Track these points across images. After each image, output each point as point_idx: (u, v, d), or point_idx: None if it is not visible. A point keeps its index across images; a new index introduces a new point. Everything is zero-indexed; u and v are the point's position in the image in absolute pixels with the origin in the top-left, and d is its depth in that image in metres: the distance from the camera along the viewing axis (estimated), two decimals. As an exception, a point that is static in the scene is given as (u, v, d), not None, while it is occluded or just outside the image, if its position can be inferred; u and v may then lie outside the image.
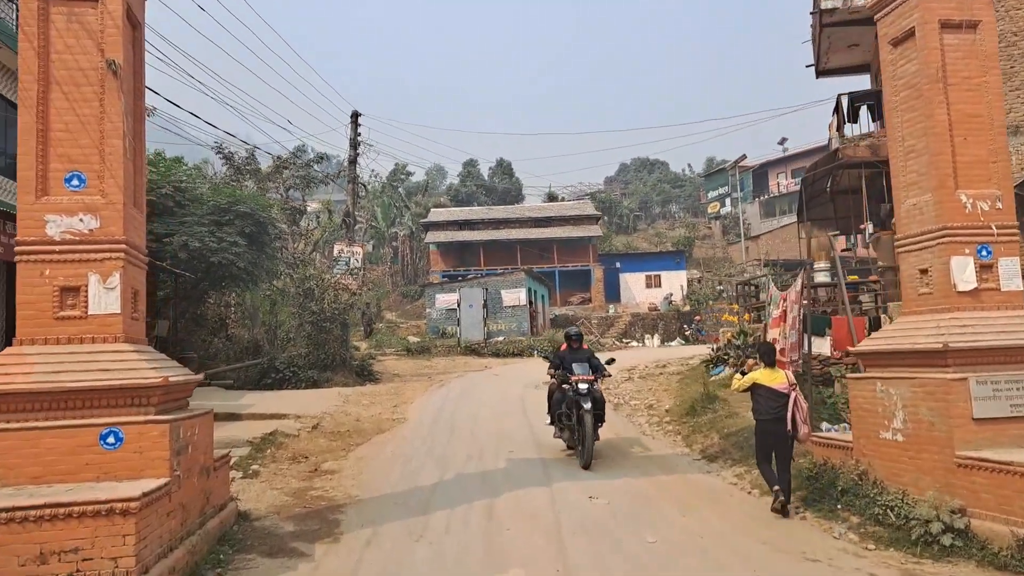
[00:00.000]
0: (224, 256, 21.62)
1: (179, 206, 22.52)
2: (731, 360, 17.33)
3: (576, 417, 10.57)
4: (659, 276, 47.94)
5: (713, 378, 17.32)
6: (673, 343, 39.89)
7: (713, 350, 18.68)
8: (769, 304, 14.52)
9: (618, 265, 48.52)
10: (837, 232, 16.07)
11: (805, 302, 11.78)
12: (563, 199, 64.86)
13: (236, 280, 23.47)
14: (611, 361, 11.85)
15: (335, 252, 24.02)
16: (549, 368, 11.64)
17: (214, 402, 16.57)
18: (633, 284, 47.93)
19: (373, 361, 24.73)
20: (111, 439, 5.88)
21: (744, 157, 65.57)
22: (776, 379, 8.83)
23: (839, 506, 7.94)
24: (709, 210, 75.24)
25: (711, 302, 46.54)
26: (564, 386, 11.02)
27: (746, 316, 17.59)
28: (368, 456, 11.68)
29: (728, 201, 72.34)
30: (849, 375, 8.93)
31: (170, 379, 6.24)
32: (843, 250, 18.47)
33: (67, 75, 6.58)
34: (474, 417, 15.21)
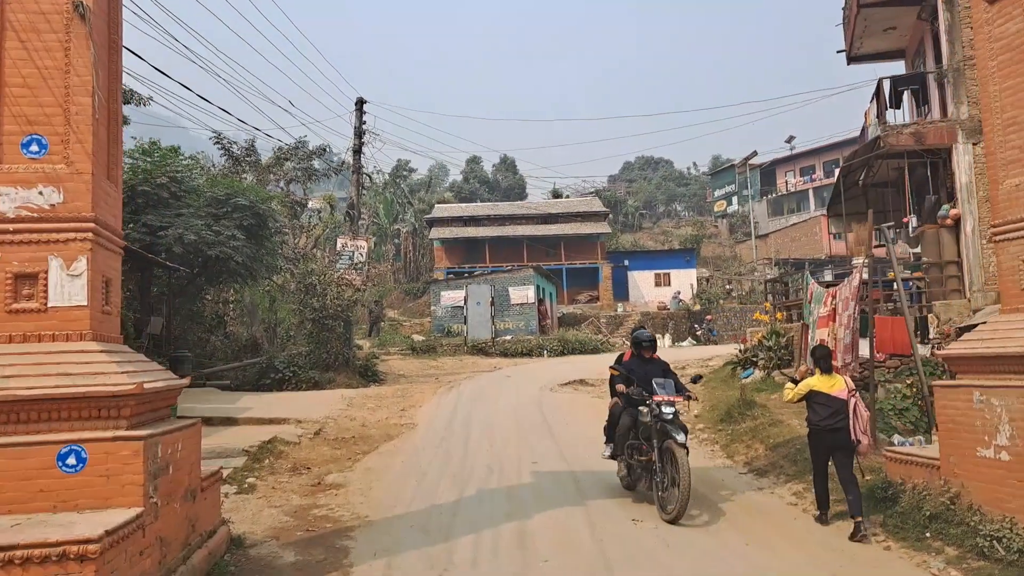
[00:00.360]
0: (221, 250, 20.54)
1: (175, 197, 21.44)
2: (761, 362, 16.22)
3: (659, 451, 8.00)
4: (668, 274, 46.79)
5: (743, 381, 16.22)
6: (684, 343, 38.78)
7: (740, 351, 17.55)
8: (810, 303, 13.40)
9: (626, 263, 47.37)
10: (891, 224, 14.95)
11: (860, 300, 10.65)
12: (568, 197, 63.74)
13: (234, 275, 22.38)
14: (698, 378, 9.85)
15: (339, 246, 22.90)
16: (617, 382, 8.88)
17: (209, 404, 15.50)
18: (642, 282, 46.78)
19: (377, 361, 23.64)
20: (71, 460, 4.78)
21: (755, 154, 64.46)
22: (834, 385, 7.90)
23: (928, 534, 6.83)
24: (715, 208, 74.16)
25: (722, 301, 45.45)
26: (642, 408, 8.37)
27: (778, 315, 16.47)
28: (377, 468, 10.58)
29: (735, 199, 71.29)
30: (936, 383, 7.82)
31: (147, 385, 5.14)
32: (876, 246, 17.33)
33: (25, 19, 5.47)
34: (490, 423, 14.10)
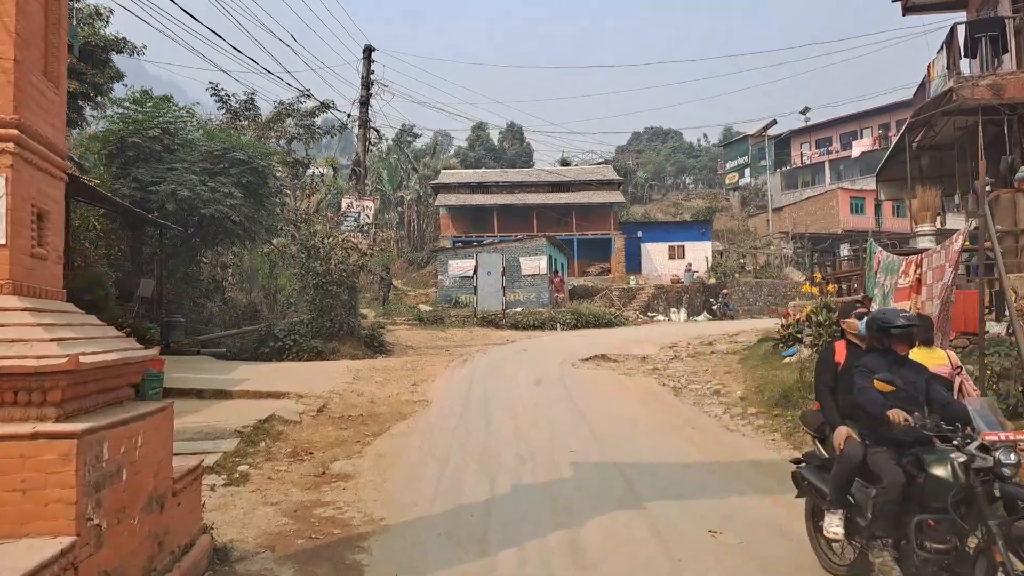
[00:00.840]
0: (217, 208, 19.07)
1: (168, 151, 19.94)
2: (808, 339, 14.76)
3: (1004, 538, 4.10)
4: (683, 247, 45.15)
5: (787, 360, 14.79)
6: (699, 318, 37.39)
7: (782, 327, 16.07)
8: (876, 273, 11.91)
9: (639, 234, 45.72)
10: (991, 182, 13.32)
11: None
12: (578, 165, 61.90)
13: (231, 236, 20.92)
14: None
15: (343, 206, 21.32)
16: (881, 406, 4.76)
17: (202, 374, 14.04)
18: (655, 255, 45.16)
19: (383, 331, 22.18)
20: (-30, 466, 3.30)
21: (774, 122, 62.59)
22: (935, 360, 6.57)
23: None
24: (727, 181, 72.40)
25: (737, 275, 43.92)
26: (942, 455, 4.56)
27: (830, 287, 14.97)
28: (390, 453, 9.14)
29: (747, 172, 69.50)
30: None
31: (89, 358, 3.65)
32: (935, 214, 15.79)
33: None
34: (511, 402, 12.67)
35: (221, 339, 20.41)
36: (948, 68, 14.09)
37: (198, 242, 21.46)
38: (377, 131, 19.95)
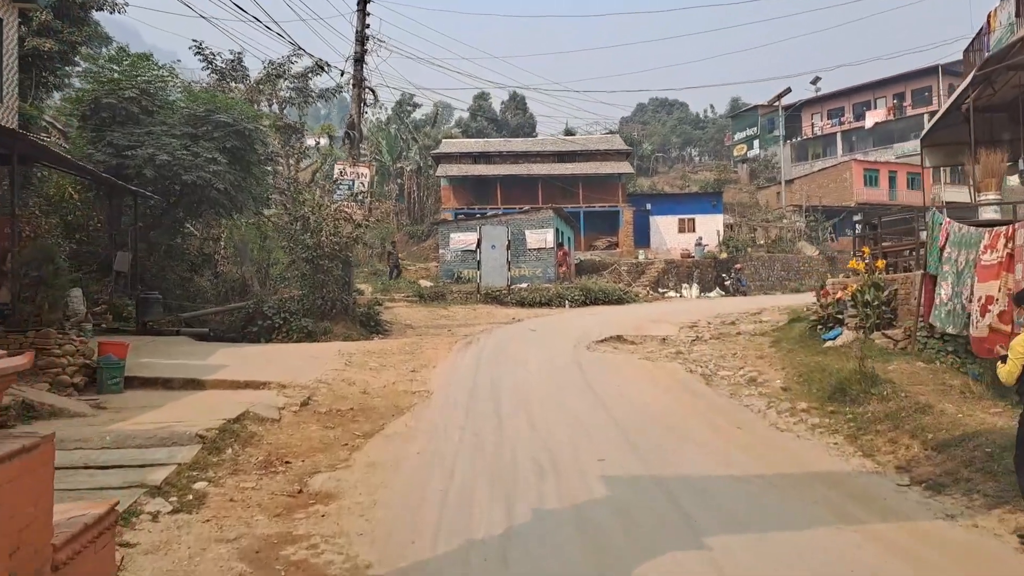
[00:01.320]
0: (199, 175, 17.46)
1: (146, 113, 18.32)
2: (852, 321, 13.21)
3: None
4: (693, 220, 43.43)
5: (828, 344, 13.27)
6: (712, 294, 35.88)
7: (821, 306, 14.53)
8: (943, 247, 10.35)
9: (648, 207, 43.97)
10: None
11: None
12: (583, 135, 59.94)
13: (215, 205, 19.29)
14: None
15: (336, 172, 19.66)
16: None
17: (173, 360, 12.50)
18: (665, 228, 43.45)
19: (381, 308, 20.65)
20: None
21: (788, 91, 60.26)
22: None
23: None
24: (735, 153, 70.48)
25: (750, 249, 42.30)
26: None
27: (878, 264, 13.40)
28: (384, 462, 7.64)
29: (756, 143, 67.59)
30: None
31: None
32: (1000, 180, 14.14)
33: None
34: (524, 392, 11.18)
35: (206, 317, 18.91)
36: (1018, 16, 12.42)
37: (181, 212, 19.90)
38: (373, 91, 18.21)
